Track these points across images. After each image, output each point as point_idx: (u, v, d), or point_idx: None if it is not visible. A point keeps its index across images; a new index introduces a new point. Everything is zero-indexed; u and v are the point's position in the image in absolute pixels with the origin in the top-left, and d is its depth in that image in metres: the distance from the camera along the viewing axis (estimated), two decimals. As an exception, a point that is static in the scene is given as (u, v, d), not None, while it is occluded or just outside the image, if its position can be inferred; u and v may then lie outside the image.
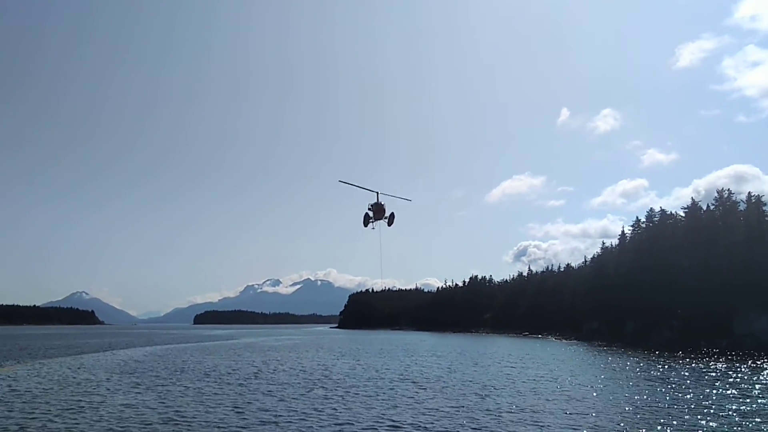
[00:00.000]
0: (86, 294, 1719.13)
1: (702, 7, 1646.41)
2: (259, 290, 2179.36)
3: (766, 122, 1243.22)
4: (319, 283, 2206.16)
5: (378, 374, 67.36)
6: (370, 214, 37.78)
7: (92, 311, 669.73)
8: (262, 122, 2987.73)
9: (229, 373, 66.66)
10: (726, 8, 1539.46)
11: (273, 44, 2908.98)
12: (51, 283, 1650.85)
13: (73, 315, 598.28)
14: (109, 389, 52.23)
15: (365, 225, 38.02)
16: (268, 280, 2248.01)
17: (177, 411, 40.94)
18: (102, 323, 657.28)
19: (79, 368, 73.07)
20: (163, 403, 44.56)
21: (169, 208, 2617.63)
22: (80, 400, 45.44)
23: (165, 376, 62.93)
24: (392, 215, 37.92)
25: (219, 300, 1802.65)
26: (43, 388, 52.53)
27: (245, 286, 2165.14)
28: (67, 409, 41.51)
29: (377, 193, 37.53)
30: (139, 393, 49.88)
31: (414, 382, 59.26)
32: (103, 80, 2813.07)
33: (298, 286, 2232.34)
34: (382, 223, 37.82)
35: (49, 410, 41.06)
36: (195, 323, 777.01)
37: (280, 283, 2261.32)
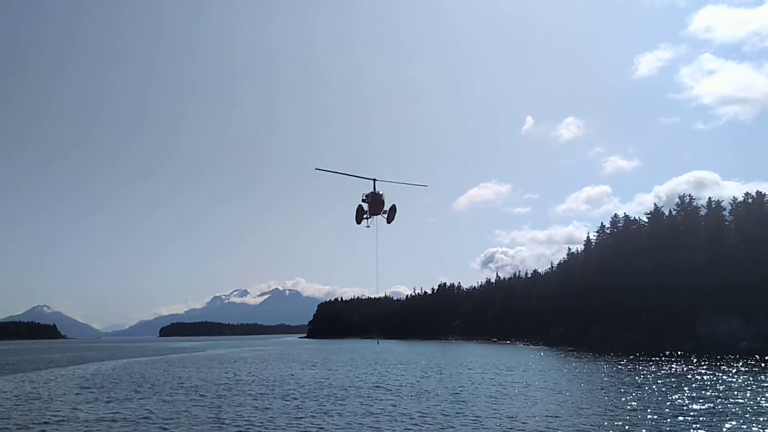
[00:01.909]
0: (47, 307, 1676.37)
1: (659, 18, 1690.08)
2: (226, 301, 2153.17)
3: (724, 129, 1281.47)
4: (287, 292, 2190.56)
5: (352, 383, 67.38)
6: (365, 207, 30.71)
7: (54, 325, 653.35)
8: (235, 134, 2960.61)
9: (203, 386, 65.90)
10: (681, 20, 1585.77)
11: (259, 46, 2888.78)
12: (10, 296, 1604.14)
13: (33, 329, 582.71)
14: (79, 404, 51.23)
15: (358, 221, 30.94)
16: (235, 291, 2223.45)
17: (155, 424, 40.45)
18: (64, 337, 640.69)
19: (44, 383, 71.47)
20: (140, 417, 43.91)
21: (134, 220, 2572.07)
22: (49, 416, 44.55)
23: (137, 390, 61.94)
24: (393, 209, 30.76)
25: (185, 311, 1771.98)
26: (8, 405, 51.29)
27: (212, 297, 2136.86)
28: (37, 423, 40.73)
29: (374, 180, 30.21)
30: (112, 407, 49.05)
31: (388, 390, 59.49)
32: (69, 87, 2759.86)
33: (265, 297, 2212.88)
34: (380, 219, 30.90)
35: (17, 424, 40.24)
36: (161, 335, 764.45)
37: (248, 293, 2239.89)
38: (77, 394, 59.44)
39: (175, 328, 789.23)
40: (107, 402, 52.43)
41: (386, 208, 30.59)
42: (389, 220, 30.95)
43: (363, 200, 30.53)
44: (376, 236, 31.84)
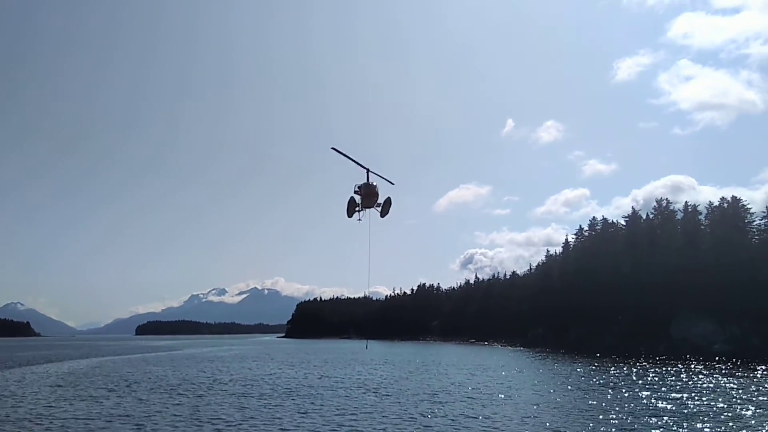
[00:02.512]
0: (21, 305, 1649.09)
1: (638, 24, 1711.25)
2: (204, 300, 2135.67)
3: (700, 135, 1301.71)
4: (266, 292, 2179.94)
5: (332, 383, 67.33)
6: (357, 199, 28.40)
7: (27, 322, 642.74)
8: (204, 128, 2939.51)
9: (180, 385, 65.36)
10: (660, 26, 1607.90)
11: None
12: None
13: (6, 327, 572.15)
14: (53, 402, 50.57)
15: (349, 214, 28.63)
16: (213, 290, 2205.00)
17: (132, 423, 40.06)
18: (38, 335, 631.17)
19: (17, 381, 70.37)
20: (116, 415, 43.50)
21: (109, 216, 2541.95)
22: (23, 414, 43.89)
23: (114, 389, 61.28)
24: (387, 202, 28.58)
25: (162, 310, 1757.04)
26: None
27: (190, 295, 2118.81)
28: (9, 421, 40.14)
29: (368, 170, 27.95)
30: (87, 405, 48.49)
31: (367, 390, 59.52)
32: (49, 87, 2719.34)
33: (244, 296, 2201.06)
34: (373, 212, 28.60)
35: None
36: (137, 334, 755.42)
37: (226, 292, 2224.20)
38: (51, 392, 58.62)
39: (151, 327, 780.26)
40: (82, 400, 51.81)
41: (380, 201, 28.44)
42: (383, 213, 28.87)
43: (355, 192, 28.26)
44: (368, 230, 29.60)
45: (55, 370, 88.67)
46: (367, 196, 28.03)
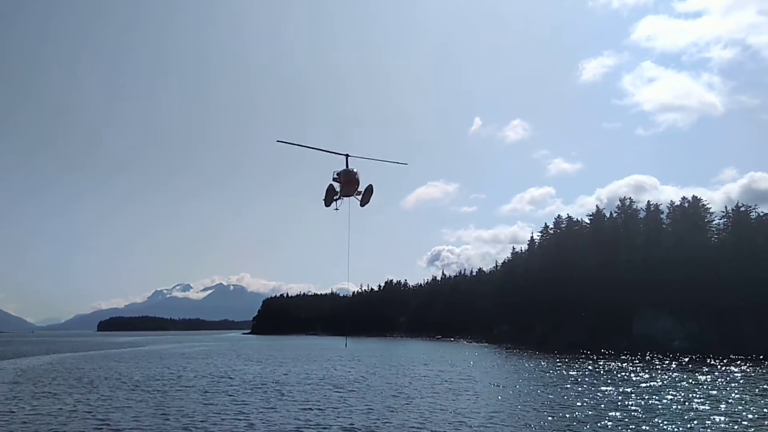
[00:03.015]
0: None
1: (603, 26, 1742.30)
2: (168, 295, 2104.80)
3: (663, 136, 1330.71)
4: (231, 287, 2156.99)
5: (300, 379, 67.22)
6: (336, 186, 26.84)
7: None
8: (174, 121, 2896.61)
9: (146, 381, 64.52)
10: (624, 28, 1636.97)
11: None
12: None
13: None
14: (12, 399, 49.51)
15: (327, 203, 27.12)
16: (177, 285, 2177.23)
17: (96, 420, 39.45)
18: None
19: (-25, 378, 68.65)
20: (79, 411, 42.80)
21: (71, 208, 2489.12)
22: (-18, 412, 42.91)
23: (75, 386, 60.19)
24: (369, 189, 27.03)
25: (125, 306, 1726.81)
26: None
27: (153, 291, 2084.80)
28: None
29: (346, 156, 26.53)
30: (50, 402, 47.56)
31: (334, 385, 59.58)
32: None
33: (209, 291, 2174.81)
34: (353, 201, 27.29)
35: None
36: (99, 330, 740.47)
37: (191, 287, 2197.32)
38: (9, 389, 57.31)
39: (113, 323, 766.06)
40: (43, 397, 50.82)
41: (361, 188, 26.90)
42: (364, 202, 27.28)
43: (334, 179, 26.72)
44: (348, 220, 28.12)
45: (14, 367, 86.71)
46: (347, 184, 26.53)
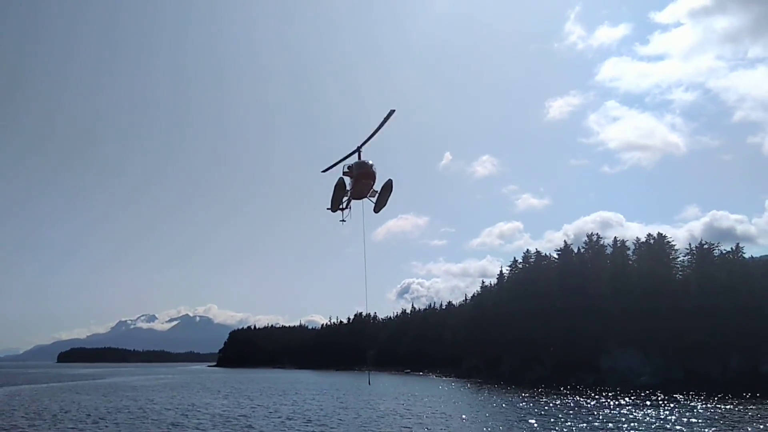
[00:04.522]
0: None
1: (568, 66, 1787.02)
2: (132, 326, 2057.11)
3: (628, 173, 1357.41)
4: (197, 319, 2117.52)
5: (269, 413, 66.20)
6: (347, 182, 21.34)
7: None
8: (141, 149, 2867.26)
9: (110, 414, 62.92)
10: (589, 69, 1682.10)
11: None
12: None
13: None
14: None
15: (334, 207, 21.90)
16: (142, 316, 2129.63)
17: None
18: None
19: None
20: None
21: (33, 234, 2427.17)
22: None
23: (37, 419, 58.47)
24: (387, 186, 21.52)
25: (87, 336, 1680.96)
26: None
27: (117, 321, 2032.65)
28: None
29: (359, 150, 21.33)
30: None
31: (304, 420, 58.83)
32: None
33: (175, 323, 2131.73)
34: (365, 205, 21.84)
35: None
36: (59, 361, 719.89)
37: (156, 318, 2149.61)
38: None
39: (75, 354, 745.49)
40: (2, 430, 49.18)
41: (376, 187, 21.31)
42: (380, 204, 21.73)
43: (345, 173, 21.30)
44: (362, 227, 22.25)
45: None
46: (360, 179, 20.97)
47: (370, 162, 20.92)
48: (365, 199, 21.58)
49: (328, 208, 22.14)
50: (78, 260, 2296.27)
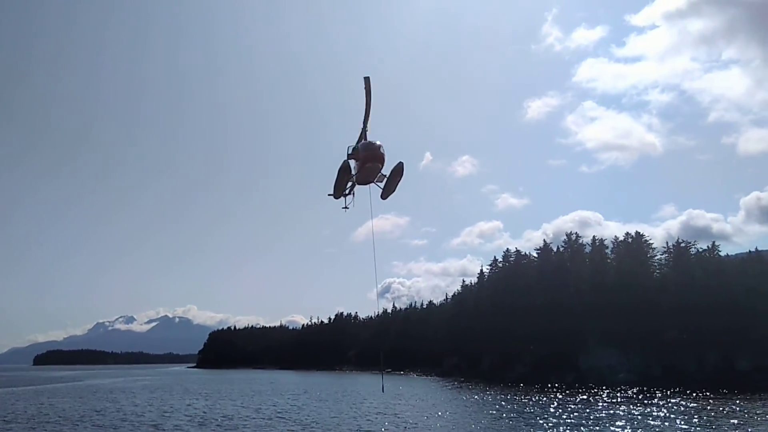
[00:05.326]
0: None
1: (546, 68, 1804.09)
2: (110, 328, 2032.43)
3: (606, 173, 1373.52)
4: (177, 320, 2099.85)
5: (254, 413, 65.87)
6: (353, 165, 19.06)
7: None
8: (115, 146, 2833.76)
9: (89, 417, 62.19)
10: (567, 70, 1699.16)
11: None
12: None
13: None
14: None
15: (337, 192, 19.62)
16: (120, 317, 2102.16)
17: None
18: None
19: None
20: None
21: (6, 232, 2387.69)
22: None
23: (14, 423, 57.56)
24: (398, 170, 19.13)
25: (64, 338, 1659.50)
26: None
27: (95, 323, 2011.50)
28: None
29: (364, 130, 19.20)
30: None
31: (288, 420, 58.63)
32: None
33: (153, 324, 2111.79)
34: (371, 190, 19.42)
35: None
36: (35, 364, 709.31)
37: (135, 320, 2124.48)
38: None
39: (51, 357, 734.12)
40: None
41: (385, 171, 18.94)
42: (388, 191, 19.44)
43: (350, 156, 19.04)
44: (371, 216, 19.97)
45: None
46: (367, 161, 18.47)
47: (378, 143, 18.50)
48: (372, 185, 19.21)
49: (330, 194, 19.75)
50: (54, 261, 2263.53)
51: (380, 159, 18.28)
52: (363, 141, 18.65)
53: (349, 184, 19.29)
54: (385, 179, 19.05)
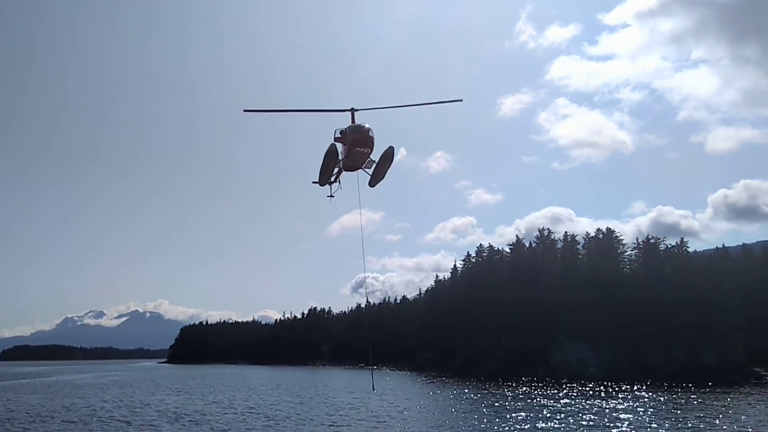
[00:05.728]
0: None
1: (520, 65, 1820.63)
2: (79, 323, 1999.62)
3: (578, 170, 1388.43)
4: (147, 315, 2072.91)
5: (226, 408, 65.50)
6: (339, 149, 18.02)
7: None
8: (89, 139, 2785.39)
9: (59, 413, 61.26)
10: (539, 68, 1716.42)
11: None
12: None
13: None
14: None
15: (323, 180, 18.91)
16: (90, 312, 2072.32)
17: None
18: None
19: None
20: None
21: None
22: None
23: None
24: (387, 155, 18.41)
25: (31, 333, 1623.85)
26: None
27: (63, 318, 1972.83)
28: None
29: (352, 111, 17.87)
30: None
31: (260, 415, 58.43)
32: None
33: (124, 319, 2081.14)
34: (358, 178, 18.75)
35: None
36: (1, 360, 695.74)
37: (104, 314, 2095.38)
38: None
39: (18, 352, 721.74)
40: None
41: (373, 157, 18.02)
42: (377, 176, 18.60)
43: (336, 138, 17.87)
44: (358, 202, 18.94)
45: None
46: (355, 146, 17.48)
47: (367, 126, 17.35)
48: (360, 171, 18.27)
49: (314, 182, 18.92)
50: (21, 255, 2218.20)
51: (369, 143, 17.35)
52: (353, 124, 17.59)
53: (336, 170, 18.33)
54: (374, 165, 18.22)
